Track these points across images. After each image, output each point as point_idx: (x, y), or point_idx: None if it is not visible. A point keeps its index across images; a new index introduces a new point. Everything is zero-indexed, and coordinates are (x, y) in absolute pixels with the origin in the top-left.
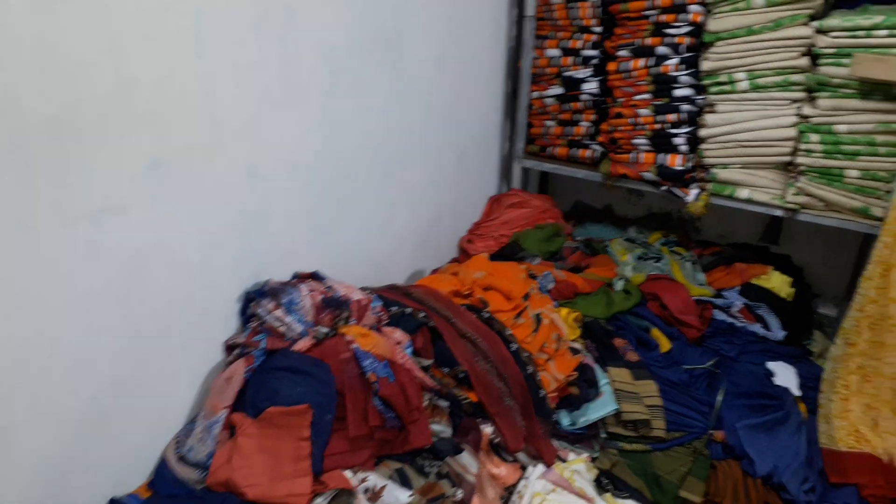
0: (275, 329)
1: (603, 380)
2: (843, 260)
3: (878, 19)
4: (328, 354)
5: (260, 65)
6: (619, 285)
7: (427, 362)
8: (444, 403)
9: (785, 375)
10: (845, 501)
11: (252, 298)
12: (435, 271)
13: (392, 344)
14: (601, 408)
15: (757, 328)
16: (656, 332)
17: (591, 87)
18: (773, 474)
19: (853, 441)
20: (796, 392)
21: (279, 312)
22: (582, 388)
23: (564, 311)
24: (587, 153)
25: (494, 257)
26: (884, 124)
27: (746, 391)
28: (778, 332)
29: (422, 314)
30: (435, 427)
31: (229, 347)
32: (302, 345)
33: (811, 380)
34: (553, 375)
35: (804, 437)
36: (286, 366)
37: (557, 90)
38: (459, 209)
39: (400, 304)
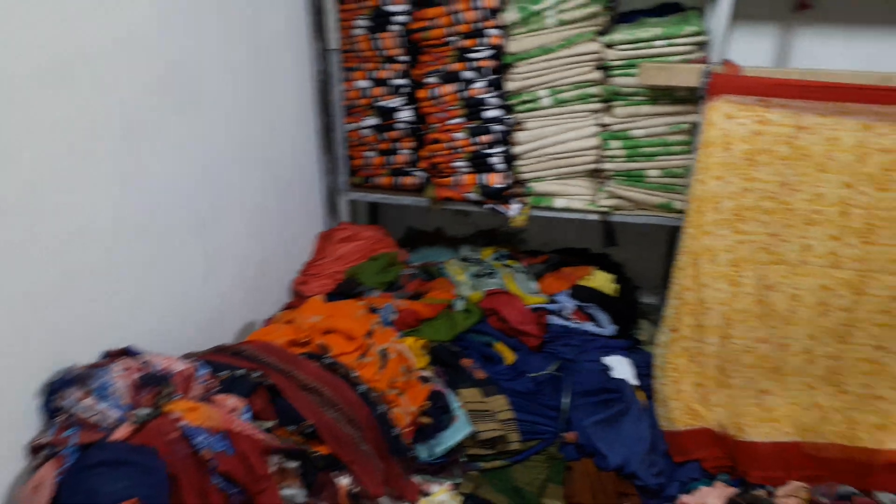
0: (86, 420)
1: (455, 403)
2: (656, 252)
3: (656, 31)
4: (153, 438)
5: (38, 123)
6: (459, 305)
7: (269, 424)
8: (293, 464)
9: (621, 368)
10: (690, 476)
11: (56, 389)
12: (268, 321)
13: (226, 413)
14: (457, 432)
15: (590, 326)
16: (500, 346)
17: (406, 115)
18: (625, 465)
19: (689, 419)
20: (634, 382)
21: (89, 400)
22: (436, 416)
23: (410, 340)
24: (411, 180)
25: (332, 296)
26: (674, 125)
27: (589, 389)
28: (609, 328)
29: (256, 373)
30: (286, 492)
31: (34, 449)
32: (121, 433)
33: (645, 367)
34: (406, 409)
35: (647, 423)
36: (104, 459)
37: (373, 121)
38: (288, 251)
39: (230, 367)
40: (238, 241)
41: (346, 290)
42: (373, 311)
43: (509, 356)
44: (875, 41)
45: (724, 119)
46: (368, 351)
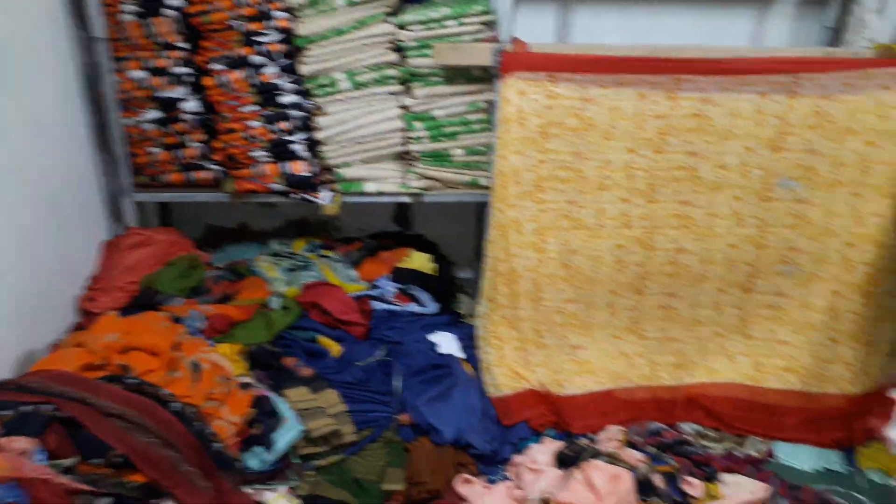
0: None
1: (282, 405)
2: (468, 228)
3: (445, 11)
4: None
5: None
6: (275, 303)
7: (70, 462)
8: (104, 501)
9: (447, 343)
10: (521, 437)
11: None
12: (54, 347)
13: (15, 457)
14: (287, 435)
15: (413, 307)
16: (324, 340)
17: (192, 105)
18: (459, 436)
19: (513, 382)
20: (460, 355)
21: None
22: (263, 422)
23: (225, 346)
24: (205, 175)
25: (128, 310)
26: (472, 104)
27: (419, 368)
28: (431, 306)
29: (48, 407)
30: None
31: None
32: None
33: (469, 340)
34: (228, 420)
35: (476, 393)
36: None
37: (154, 114)
38: (69, 266)
39: (14, 404)
40: (5, 264)
41: (143, 301)
42: (177, 320)
43: (335, 348)
44: (645, 17)
45: (517, 96)
46: (177, 365)
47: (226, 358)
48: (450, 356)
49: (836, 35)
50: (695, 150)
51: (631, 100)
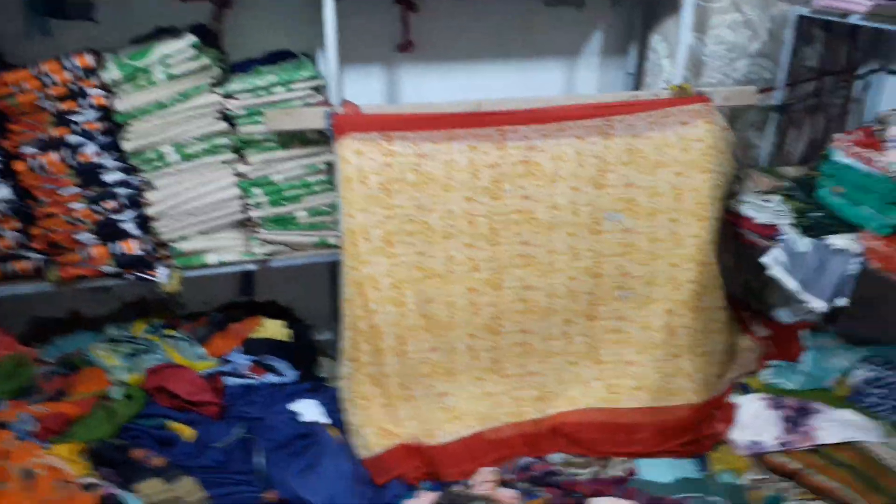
0: None
1: (134, 502)
2: (322, 289)
3: (272, 78)
4: None
5: None
6: (117, 393)
7: None
8: None
9: (310, 411)
10: (395, 494)
11: None
12: None
13: None
14: None
15: (271, 378)
16: (174, 425)
17: (2, 193)
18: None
19: (383, 440)
20: (325, 421)
21: None
22: None
23: (62, 448)
24: (25, 265)
25: None
26: (311, 166)
27: (282, 441)
28: (290, 374)
29: None
30: None
31: None
32: None
33: (334, 403)
34: None
35: (345, 457)
36: None
37: None
38: None
39: None
40: None
41: None
42: (1, 426)
43: (188, 433)
44: (466, 73)
45: (354, 155)
46: (5, 475)
47: (64, 460)
48: (314, 424)
49: (637, 80)
50: (528, 194)
51: (463, 152)
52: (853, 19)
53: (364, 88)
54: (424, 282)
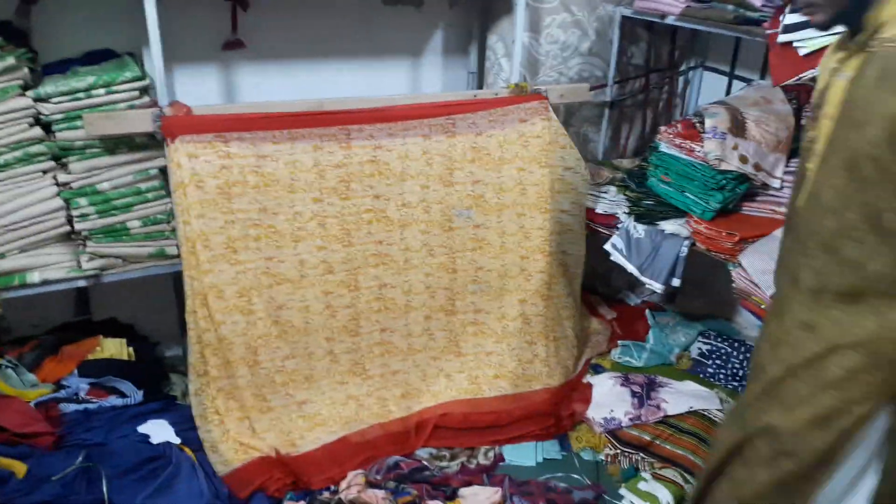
0: None
1: None
2: (166, 302)
3: (91, 80)
4: None
5: None
6: None
7: None
8: None
9: (160, 431)
10: None
11: None
12: None
13: None
14: None
15: (114, 400)
16: (4, 461)
17: None
18: None
19: (242, 454)
20: (177, 440)
21: None
22: None
23: None
24: None
25: None
26: (141, 172)
27: (130, 467)
28: (136, 395)
29: None
30: None
31: None
32: None
33: (187, 421)
34: None
35: (201, 477)
36: None
37: None
38: None
39: None
40: None
41: None
42: None
43: (19, 468)
44: (308, 72)
45: (187, 159)
46: None
47: None
48: (166, 444)
49: (480, 78)
50: (378, 193)
51: (307, 152)
52: (670, 20)
53: (198, 89)
54: (274, 288)
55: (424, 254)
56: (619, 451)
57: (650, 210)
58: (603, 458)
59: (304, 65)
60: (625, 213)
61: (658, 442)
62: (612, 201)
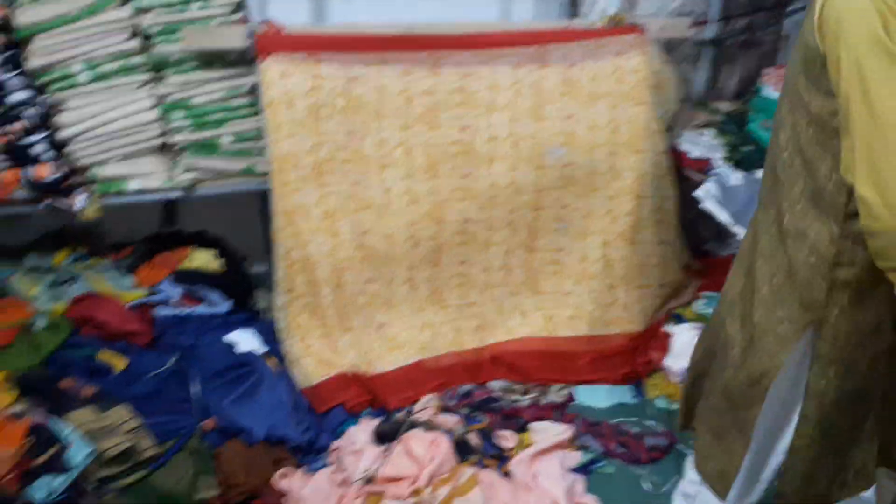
0: None
1: (65, 430)
2: (252, 218)
3: None
4: None
5: None
6: (40, 323)
7: None
8: None
9: (246, 341)
10: (338, 421)
11: None
12: None
13: None
14: (74, 459)
15: (203, 309)
16: (104, 354)
17: None
18: (271, 432)
19: (322, 370)
20: (262, 350)
21: None
22: (42, 450)
23: None
24: None
25: None
26: (233, 89)
27: (218, 370)
28: (223, 305)
29: None
30: None
31: None
32: None
33: (270, 334)
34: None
35: (283, 387)
36: None
37: None
38: None
39: None
40: None
41: None
42: None
43: (119, 363)
44: None
45: (279, 78)
46: None
47: None
48: (251, 354)
49: (572, 9)
50: (465, 125)
51: (396, 77)
52: None
53: (288, 9)
54: (360, 213)
55: (511, 191)
56: None
57: (748, 156)
58: (677, 405)
59: None
60: (721, 158)
61: None
62: (707, 146)
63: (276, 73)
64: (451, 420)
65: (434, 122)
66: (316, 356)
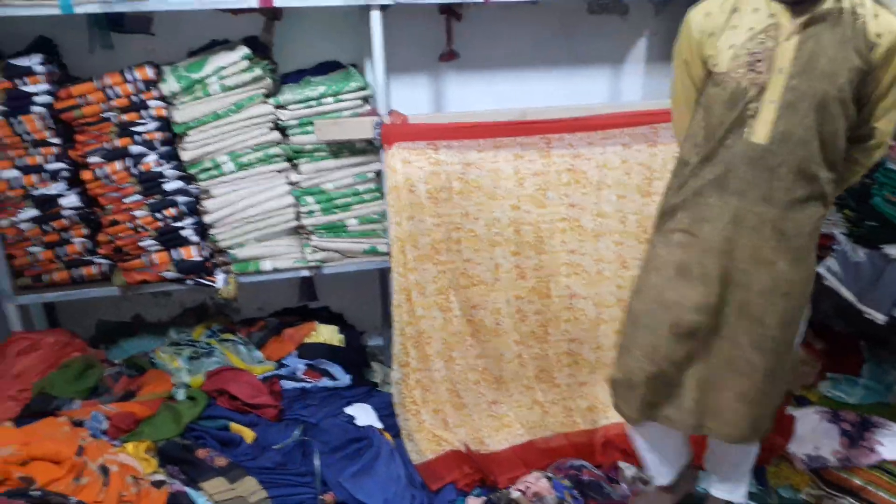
0: None
1: (200, 499)
2: (372, 295)
3: (322, 89)
4: None
5: None
6: (180, 394)
7: None
8: None
9: (364, 415)
10: (448, 500)
11: None
12: None
13: None
14: None
15: (325, 382)
16: (235, 426)
17: (71, 200)
18: None
19: (435, 446)
20: (378, 425)
21: None
22: None
23: (131, 446)
24: (92, 270)
25: (23, 420)
26: (360, 175)
27: (338, 444)
28: (344, 379)
29: None
30: None
31: None
32: None
33: (386, 408)
34: None
35: (399, 461)
36: None
37: (31, 212)
38: None
39: None
40: None
41: (38, 408)
42: (78, 424)
43: (248, 434)
44: (511, 82)
45: (402, 164)
46: (83, 470)
47: (134, 457)
48: (369, 428)
49: None
50: (573, 202)
51: (508, 161)
52: None
53: (410, 97)
54: (470, 288)
55: (618, 266)
56: (824, 492)
57: (873, 231)
58: (804, 497)
59: (506, 74)
60: (843, 233)
61: (871, 488)
62: (828, 220)
63: (399, 161)
64: (544, 486)
65: (542, 201)
66: (429, 431)
